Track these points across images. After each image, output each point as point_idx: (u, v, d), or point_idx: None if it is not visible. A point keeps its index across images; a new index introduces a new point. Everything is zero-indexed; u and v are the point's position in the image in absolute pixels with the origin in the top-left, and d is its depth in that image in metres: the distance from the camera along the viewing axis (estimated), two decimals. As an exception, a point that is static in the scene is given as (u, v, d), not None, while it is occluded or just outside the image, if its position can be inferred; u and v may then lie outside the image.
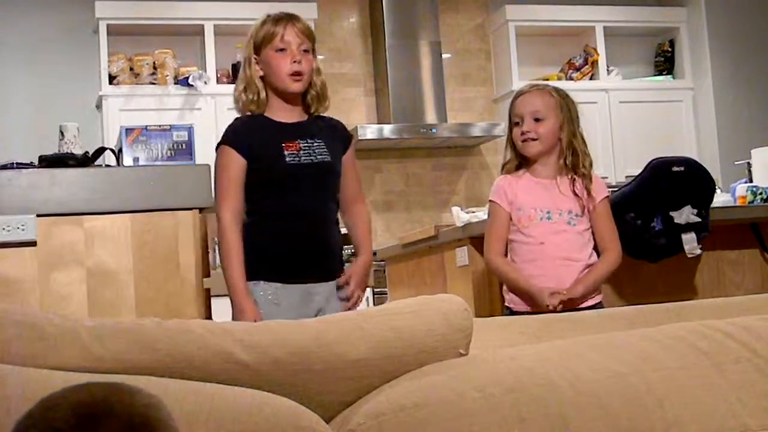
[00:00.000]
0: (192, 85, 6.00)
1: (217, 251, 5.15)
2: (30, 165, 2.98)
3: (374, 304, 5.19)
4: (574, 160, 2.95)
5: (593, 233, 2.96)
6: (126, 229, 2.89)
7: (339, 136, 2.93)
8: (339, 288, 2.81)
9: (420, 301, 1.41)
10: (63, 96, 6.06)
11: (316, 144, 2.82)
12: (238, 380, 1.21)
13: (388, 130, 6.24)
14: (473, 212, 3.67)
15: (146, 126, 3.33)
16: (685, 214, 3.23)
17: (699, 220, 3.24)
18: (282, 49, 2.80)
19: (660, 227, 3.23)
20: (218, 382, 1.19)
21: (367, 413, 1.22)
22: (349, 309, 2.80)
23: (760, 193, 3.83)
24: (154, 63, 6.08)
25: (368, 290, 5.16)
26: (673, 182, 3.25)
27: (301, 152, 2.79)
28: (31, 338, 1.20)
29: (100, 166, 3.21)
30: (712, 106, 6.79)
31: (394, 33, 6.47)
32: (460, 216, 3.64)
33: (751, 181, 4.20)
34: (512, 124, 3.01)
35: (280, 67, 2.79)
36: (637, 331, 1.49)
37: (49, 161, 3.00)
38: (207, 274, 3.02)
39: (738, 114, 6.74)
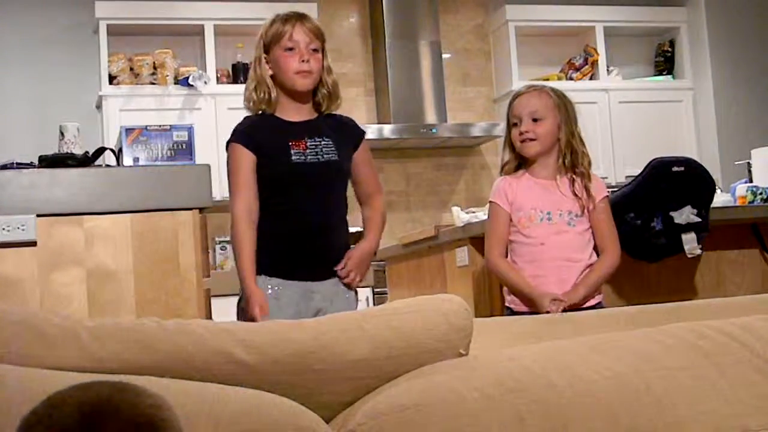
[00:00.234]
0: (192, 85, 6.00)
1: (217, 251, 5.15)
2: (30, 165, 2.98)
3: (374, 304, 5.19)
4: (573, 160, 2.96)
5: (593, 233, 2.96)
6: (126, 229, 2.89)
7: (349, 134, 2.93)
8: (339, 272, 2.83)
9: (420, 301, 1.41)
10: (63, 96, 6.06)
11: (324, 143, 2.83)
12: (238, 380, 1.21)
13: (388, 130, 6.24)
14: (473, 212, 3.67)
15: (146, 126, 3.33)
16: (685, 214, 3.23)
17: (699, 220, 3.24)
18: (290, 48, 2.81)
19: (660, 227, 3.23)
20: (218, 382, 1.19)
21: (367, 413, 1.22)
22: (348, 285, 2.82)
23: (760, 193, 3.83)
24: (154, 63, 6.08)
25: (368, 290, 5.18)
26: (673, 182, 3.24)
27: (308, 151, 2.81)
28: (31, 338, 1.20)
29: (100, 166, 3.21)
30: (712, 106, 6.79)
31: (394, 33, 6.48)
32: (460, 216, 3.64)
33: (751, 181, 4.19)
34: (510, 125, 3.02)
35: (288, 65, 2.80)
36: (637, 331, 1.49)
37: (49, 161, 3.00)
38: (207, 274, 3.02)
39: (738, 114, 6.74)
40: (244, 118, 2.93)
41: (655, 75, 7.07)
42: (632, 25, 6.98)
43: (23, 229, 2.78)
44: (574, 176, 2.95)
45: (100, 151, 3.21)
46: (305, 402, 1.22)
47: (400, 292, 4.25)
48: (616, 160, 6.66)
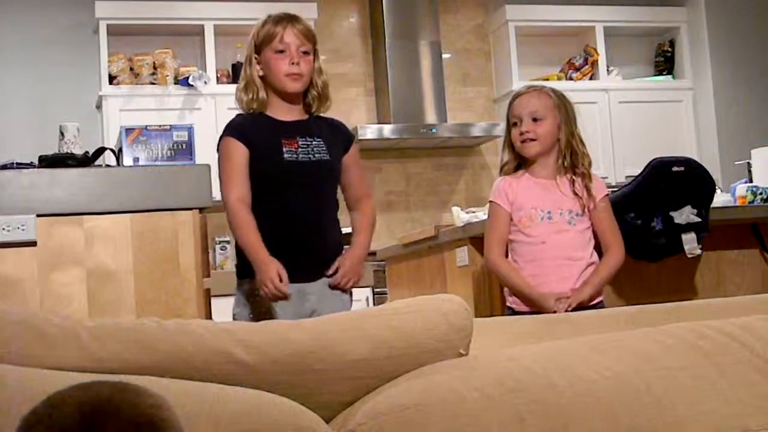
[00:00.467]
0: (192, 85, 6.00)
1: (217, 251, 5.15)
2: (30, 165, 2.98)
3: (374, 304, 5.19)
4: (573, 160, 2.96)
5: (595, 232, 2.96)
6: (126, 229, 2.89)
7: (340, 137, 2.94)
8: (330, 279, 2.81)
9: (420, 301, 1.41)
10: (63, 96, 6.06)
11: (315, 143, 2.83)
12: (238, 380, 1.21)
13: (388, 130, 6.24)
14: (473, 212, 3.67)
15: (146, 126, 3.33)
16: (685, 214, 3.23)
17: (699, 220, 3.24)
18: (281, 51, 2.82)
19: (660, 227, 3.23)
20: (218, 382, 1.19)
21: (367, 413, 1.22)
22: (339, 288, 2.80)
23: (760, 193, 3.83)
24: (154, 63, 6.08)
25: (368, 290, 5.18)
26: (673, 182, 3.25)
27: (300, 150, 2.81)
28: (31, 338, 1.20)
29: (100, 166, 3.21)
30: (712, 106, 6.79)
31: (394, 33, 6.48)
32: (460, 216, 3.64)
33: (751, 181, 4.19)
34: (510, 126, 3.02)
35: (279, 68, 2.81)
36: (637, 331, 1.49)
37: (49, 161, 3.00)
38: (207, 274, 3.02)
39: (738, 114, 6.74)
40: (237, 116, 2.93)
41: (655, 75, 7.07)
42: (632, 25, 6.98)
43: (23, 229, 2.78)
44: (574, 176, 2.96)
45: (100, 151, 3.21)
46: (305, 402, 1.22)
47: (400, 292, 4.25)
48: (616, 160, 6.66)
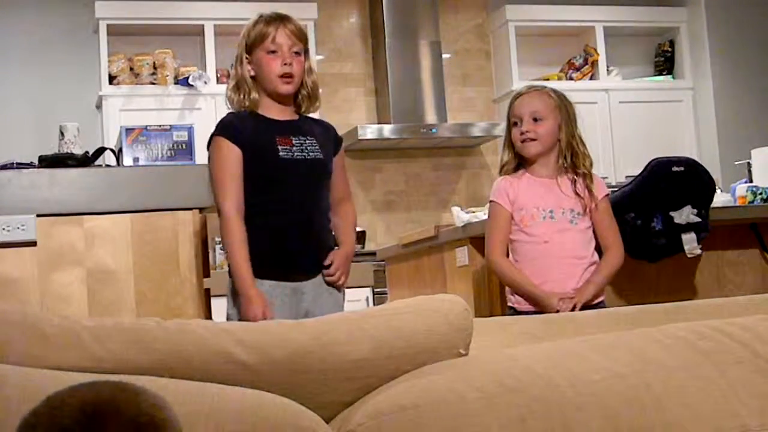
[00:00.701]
0: (192, 85, 6.00)
1: (217, 251, 5.15)
2: (30, 165, 2.98)
3: (374, 304, 5.19)
4: (573, 161, 2.96)
5: (595, 231, 2.96)
6: (126, 229, 2.89)
7: (331, 138, 2.93)
8: (325, 274, 2.81)
9: (420, 301, 1.41)
10: (63, 96, 6.06)
11: (308, 141, 2.83)
12: (238, 380, 1.21)
13: (388, 130, 6.24)
14: (473, 212, 3.67)
15: (146, 126, 3.33)
16: (685, 214, 3.23)
17: (699, 220, 3.24)
18: (273, 51, 2.80)
19: (660, 227, 3.23)
20: (218, 382, 1.19)
21: (367, 413, 1.22)
22: (333, 284, 2.80)
23: (760, 193, 3.83)
24: (154, 63, 6.08)
25: (368, 290, 5.17)
26: (673, 182, 3.24)
27: (294, 148, 2.80)
28: (31, 338, 1.20)
29: (100, 166, 3.21)
30: (712, 106, 6.79)
31: (394, 33, 6.48)
32: (460, 216, 3.64)
33: (751, 181, 4.19)
34: (511, 125, 3.02)
35: (271, 68, 2.80)
36: (637, 331, 1.49)
37: (49, 161, 3.00)
38: (207, 274, 3.02)
39: (738, 114, 6.74)
40: (228, 114, 2.90)
41: (655, 75, 7.07)
42: (632, 25, 6.98)
43: (23, 229, 2.78)
44: (575, 177, 2.96)
45: (100, 151, 3.21)
46: (305, 402, 1.22)
47: (400, 292, 4.25)
48: (616, 160, 6.66)
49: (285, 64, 2.79)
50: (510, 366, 1.32)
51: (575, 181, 2.95)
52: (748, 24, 6.85)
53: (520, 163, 3.03)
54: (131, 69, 6.07)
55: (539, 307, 2.85)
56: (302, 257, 2.78)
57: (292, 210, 2.79)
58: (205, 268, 3.00)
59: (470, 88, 6.88)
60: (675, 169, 3.27)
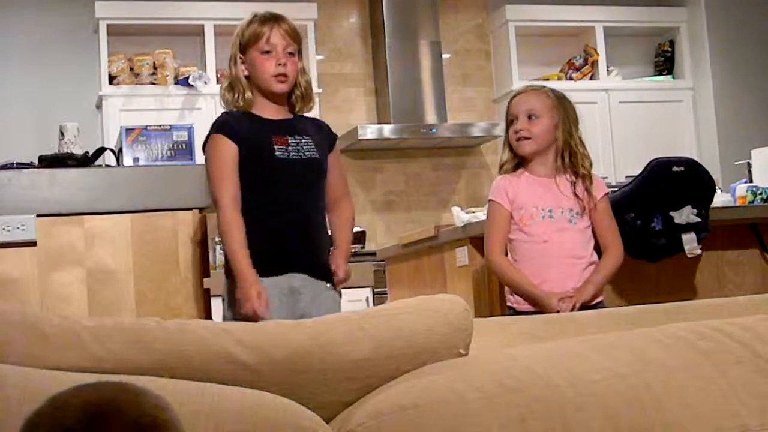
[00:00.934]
0: (192, 85, 6.00)
1: (217, 251, 5.16)
2: (30, 165, 2.98)
3: (374, 304, 5.19)
4: (572, 161, 2.95)
5: (594, 231, 2.96)
6: (126, 229, 2.90)
7: (325, 136, 2.92)
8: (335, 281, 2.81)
9: (420, 301, 1.41)
10: (63, 96, 6.06)
11: (304, 141, 2.83)
12: (238, 380, 1.21)
13: (388, 130, 6.24)
14: (473, 212, 3.67)
15: (146, 126, 3.33)
16: (685, 214, 3.23)
17: (699, 220, 3.24)
18: (267, 51, 2.80)
19: (660, 227, 3.23)
20: (218, 383, 1.19)
21: (367, 413, 1.22)
22: (333, 285, 2.81)
23: (760, 193, 3.83)
24: (154, 63, 6.08)
25: (368, 290, 5.17)
26: (673, 182, 3.24)
27: (290, 147, 2.79)
28: (31, 338, 1.20)
29: (100, 166, 3.22)
30: (712, 106, 6.79)
31: (394, 33, 6.48)
32: (460, 216, 3.64)
33: (751, 181, 4.19)
34: (508, 124, 3.02)
35: (265, 68, 2.79)
36: (637, 331, 1.49)
37: (49, 161, 3.00)
38: (207, 274, 3.02)
39: (738, 114, 6.74)
40: (224, 113, 2.90)
41: (655, 75, 7.07)
42: (632, 25, 6.98)
43: (23, 229, 2.78)
44: (575, 178, 2.95)
45: (100, 151, 3.21)
46: (305, 402, 1.22)
47: (400, 292, 4.25)
48: (616, 160, 6.66)
49: (279, 64, 2.79)
50: (510, 366, 1.32)
51: (574, 182, 2.95)
52: (748, 24, 6.85)
53: (520, 162, 3.03)
54: (131, 69, 6.07)
55: (538, 307, 2.85)
56: (299, 257, 2.78)
57: (289, 210, 2.78)
58: (205, 268, 3.00)
59: (470, 88, 6.88)
60: (675, 169, 3.27)
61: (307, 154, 2.81)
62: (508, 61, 6.68)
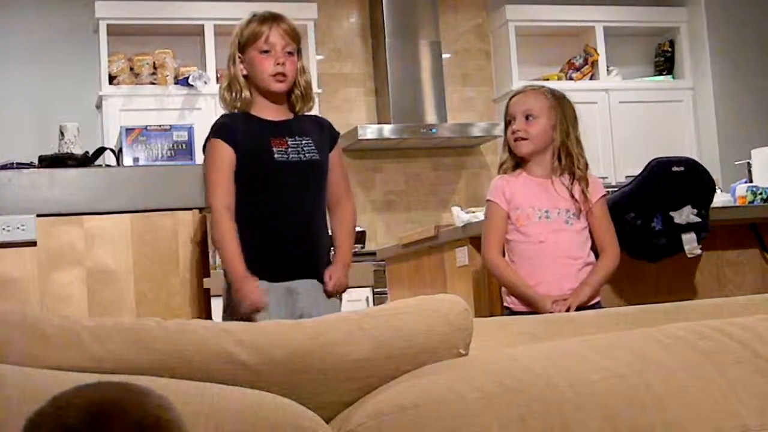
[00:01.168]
0: (192, 85, 6.00)
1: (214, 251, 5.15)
2: (30, 165, 2.98)
3: (374, 304, 5.19)
4: (568, 162, 2.95)
5: (591, 233, 2.96)
6: (126, 229, 2.90)
7: (326, 134, 2.90)
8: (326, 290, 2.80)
9: (420, 301, 1.41)
10: (63, 96, 6.06)
11: (304, 142, 2.81)
12: (238, 380, 1.21)
13: (388, 130, 6.24)
14: (473, 212, 3.67)
15: (146, 126, 3.33)
16: (685, 214, 3.23)
17: (699, 220, 3.24)
18: (266, 51, 2.79)
19: (660, 227, 3.23)
20: (218, 383, 1.19)
21: (367, 413, 1.22)
22: (332, 294, 2.80)
23: (760, 193, 3.83)
24: (154, 63, 6.08)
25: (368, 290, 5.18)
26: (673, 182, 3.24)
27: (290, 150, 2.78)
28: (31, 338, 1.20)
29: (100, 166, 3.22)
30: (712, 106, 6.79)
31: (394, 33, 6.48)
32: (460, 216, 3.64)
33: (751, 181, 4.19)
34: (507, 124, 3.02)
35: (264, 68, 2.78)
36: (637, 331, 1.49)
37: (49, 161, 3.00)
38: (207, 274, 3.02)
39: (738, 114, 6.74)
40: (222, 116, 2.89)
41: (655, 75, 7.07)
42: (632, 25, 6.98)
43: (23, 229, 2.78)
44: (571, 180, 2.95)
45: (100, 151, 3.22)
46: (305, 402, 1.22)
47: (400, 292, 4.25)
48: (616, 160, 6.66)
49: (278, 63, 2.77)
50: (510, 366, 1.32)
51: (571, 183, 2.94)
52: (748, 24, 6.85)
53: (518, 162, 3.02)
54: (131, 69, 6.07)
55: (533, 308, 2.85)
56: (299, 260, 2.77)
57: (290, 212, 2.77)
58: (205, 268, 3.00)
59: (470, 88, 6.88)
60: (675, 169, 3.27)
61: (307, 155, 2.79)
62: (508, 61, 6.68)
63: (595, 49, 6.79)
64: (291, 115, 2.87)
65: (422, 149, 6.65)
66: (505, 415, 1.23)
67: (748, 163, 4.42)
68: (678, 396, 1.33)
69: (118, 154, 3.29)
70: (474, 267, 3.45)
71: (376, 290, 5.31)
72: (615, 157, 6.67)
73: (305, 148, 2.80)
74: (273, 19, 2.83)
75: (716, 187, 3.57)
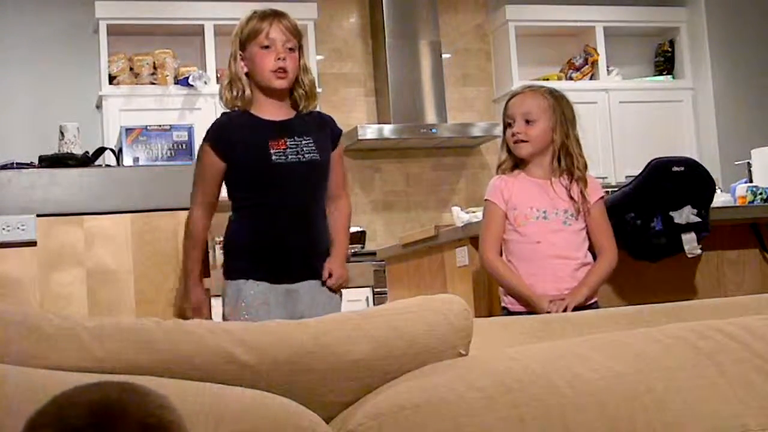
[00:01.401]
0: (192, 85, 6.00)
1: (217, 251, 5.17)
2: (30, 165, 2.98)
3: (374, 304, 5.19)
4: (567, 162, 2.95)
5: (589, 234, 2.96)
6: (126, 229, 2.90)
7: (328, 132, 2.89)
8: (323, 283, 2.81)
9: (420, 301, 1.41)
10: (63, 96, 6.06)
11: (304, 142, 2.79)
12: (238, 380, 1.21)
13: (388, 130, 6.24)
14: (473, 212, 3.67)
15: (146, 126, 3.33)
16: (685, 214, 3.23)
17: (699, 220, 3.24)
18: (267, 46, 2.77)
19: (660, 227, 3.23)
20: (218, 382, 1.19)
21: (367, 413, 1.22)
22: (332, 290, 2.82)
23: (760, 193, 3.83)
24: (154, 63, 6.08)
25: (368, 290, 5.18)
26: (673, 182, 3.24)
27: (288, 151, 2.76)
28: (31, 338, 1.20)
29: (100, 166, 3.21)
30: (712, 106, 6.79)
31: (394, 33, 6.47)
32: (460, 216, 3.64)
33: (751, 181, 4.19)
34: (505, 125, 3.01)
35: (264, 63, 2.76)
36: (637, 331, 1.49)
37: (49, 161, 3.00)
38: (207, 274, 3.02)
39: (738, 114, 6.74)
40: (221, 116, 2.89)
41: (655, 75, 7.07)
42: (632, 25, 6.98)
43: (23, 229, 2.78)
44: (570, 181, 2.94)
45: (100, 151, 3.21)
46: (305, 402, 1.22)
47: (400, 292, 4.25)
48: (616, 160, 6.66)
49: (278, 59, 2.76)
50: (510, 366, 1.32)
51: (570, 185, 2.94)
52: (748, 24, 6.84)
53: (517, 162, 3.02)
54: (131, 69, 6.06)
55: (530, 308, 2.85)
56: (298, 261, 2.77)
57: (290, 214, 2.77)
58: (205, 268, 3.00)
59: (470, 88, 6.88)
60: (675, 169, 3.27)
61: (307, 156, 2.78)
62: (508, 61, 6.68)
63: (595, 49, 6.78)
64: (293, 114, 2.85)
65: (422, 149, 6.65)
66: (505, 415, 1.23)
67: (748, 163, 4.42)
68: (678, 396, 1.33)
69: (118, 154, 3.29)
70: (474, 267, 3.45)
71: (376, 290, 5.31)
72: (615, 157, 6.67)
73: (305, 148, 2.78)
74: (274, 15, 2.82)
75: (716, 187, 3.57)
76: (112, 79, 6.00)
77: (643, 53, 7.18)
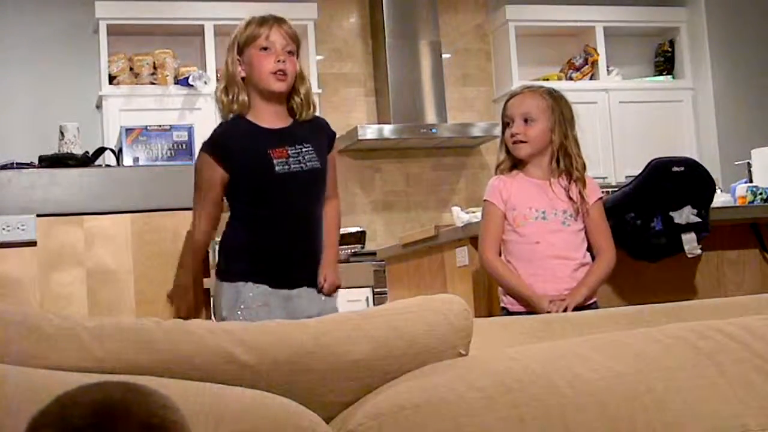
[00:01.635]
0: (192, 85, 6.00)
1: (217, 251, 5.18)
2: (30, 165, 2.98)
3: (374, 304, 5.19)
4: (566, 163, 2.94)
5: (587, 235, 2.96)
6: (126, 229, 2.90)
7: (324, 137, 2.88)
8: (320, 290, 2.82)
9: (420, 301, 1.41)
10: (63, 96, 6.06)
11: (305, 150, 2.77)
12: (238, 380, 1.21)
13: (388, 130, 6.24)
14: (473, 212, 3.67)
15: (146, 126, 3.33)
16: (685, 214, 3.23)
17: (699, 220, 3.24)
18: (266, 48, 2.75)
19: (660, 227, 3.23)
20: (218, 383, 1.19)
21: (367, 413, 1.22)
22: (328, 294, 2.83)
23: (760, 193, 3.83)
24: (154, 63, 6.08)
25: (368, 290, 5.18)
26: (673, 182, 3.24)
27: (290, 159, 2.74)
28: (31, 338, 1.20)
29: (100, 166, 3.22)
30: (712, 106, 6.79)
31: (394, 33, 6.47)
32: (460, 216, 3.64)
33: (751, 181, 4.19)
34: (504, 126, 3.01)
35: (263, 65, 2.74)
36: (637, 331, 1.49)
37: (49, 161, 3.00)
38: (207, 274, 3.02)
39: (738, 114, 6.73)
40: (219, 125, 2.85)
41: (655, 75, 7.07)
42: (632, 25, 6.98)
43: (23, 229, 2.78)
44: (569, 181, 2.94)
45: (100, 151, 3.22)
46: (305, 402, 1.22)
47: (400, 292, 4.25)
48: (616, 160, 6.66)
49: (278, 60, 2.73)
50: (510, 366, 1.32)
51: (569, 185, 2.94)
52: (748, 24, 6.84)
53: (516, 163, 3.02)
54: (131, 69, 6.06)
55: (530, 308, 2.85)
56: (299, 267, 2.77)
57: (291, 221, 2.76)
58: (205, 268, 3.00)
59: (470, 88, 6.88)
60: (675, 169, 3.27)
61: (308, 164, 2.76)
62: (508, 61, 6.68)
63: (595, 49, 6.78)
64: (290, 120, 2.83)
65: (422, 149, 6.65)
66: (505, 415, 1.23)
67: (748, 163, 4.42)
68: (678, 396, 1.33)
69: (118, 154, 3.29)
70: (474, 267, 3.45)
71: (376, 290, 5.31)
72: (615, 157, 6.67)
73: (306, 156, 2.76)
74: (273, 20, 2.81)
75: (716, 187, 3.57)
76: (112, 79, 6.00)
77: (643, 53, 7.18)
